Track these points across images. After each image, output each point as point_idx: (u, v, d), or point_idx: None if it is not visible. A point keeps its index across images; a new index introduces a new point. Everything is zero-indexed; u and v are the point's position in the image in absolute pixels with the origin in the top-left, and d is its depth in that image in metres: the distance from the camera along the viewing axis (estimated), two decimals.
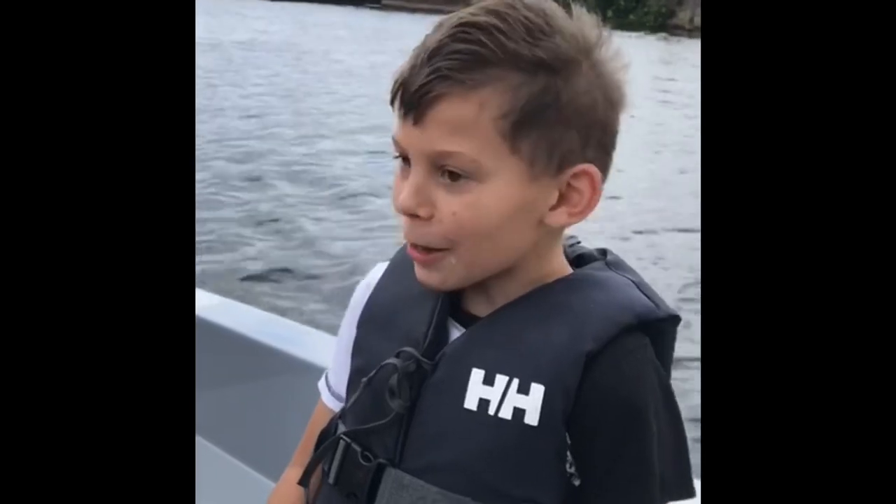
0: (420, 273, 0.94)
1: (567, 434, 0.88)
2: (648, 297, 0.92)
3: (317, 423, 1.08)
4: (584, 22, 0.89)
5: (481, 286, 0.95)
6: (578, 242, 1.01)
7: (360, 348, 1.02)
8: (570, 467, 0.89)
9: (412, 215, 0.89)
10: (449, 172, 0.87)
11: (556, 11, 0.88)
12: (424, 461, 0.92)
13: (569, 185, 0.90)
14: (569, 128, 0.88)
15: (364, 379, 0.96)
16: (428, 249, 0.91)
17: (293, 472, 1.09)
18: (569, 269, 0.97)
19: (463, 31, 0.86)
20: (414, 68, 0.87)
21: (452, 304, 0.97)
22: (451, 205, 0.88)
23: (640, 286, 0.93)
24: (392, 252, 1.06)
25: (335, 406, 1.08)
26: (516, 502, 0.88)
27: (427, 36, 0.89)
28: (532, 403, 0.88)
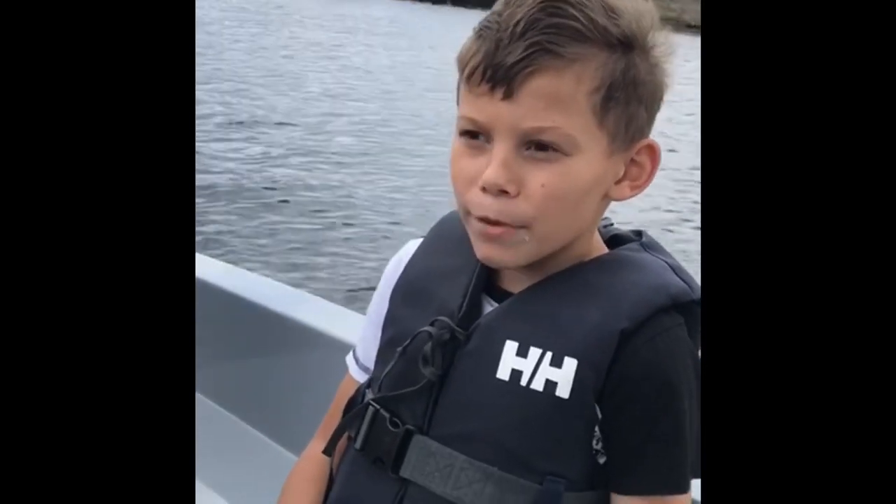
0: (487, 250, 0.92)
1: (599, 409, 0.89)
2: (683, 280, 0.93)
3: (343, 397, 1.08)
4: (639, 3, 0.91)
5: (528, 265, 0.94)
6: (612, 224, 1.02)
7: (393, 320, 1.02)
8: (598, 444, 0.90)
9: (500, 191, 0.88)
10: (536, 144, 0.87)
11: None
12: (453, 429, 0.93)
13: (632, 159, 0.92)
14: (640, 104, 0.90)
15: (399, 349, 0.97)
16: (502, 223, 0.89)
17: (317, 445, 1.09)
18: (604, 249, 0.98)
19: (553, 5, 0.86)
20: (500, 42, 0.86)
21: (487, 280, 0.98)
22: (540, 177, 0.87)
23: (675, 269, 0.95)
24: None
25: (362, 379, 1.08)
26: (541, 475, 0.89)
27: (502, 12, 0.88)
28: (564, 376, 0.88)
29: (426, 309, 0.98)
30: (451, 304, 0.97)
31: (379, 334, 1.04)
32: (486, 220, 0.90)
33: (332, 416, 1.09)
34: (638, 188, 0.94)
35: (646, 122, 0.92)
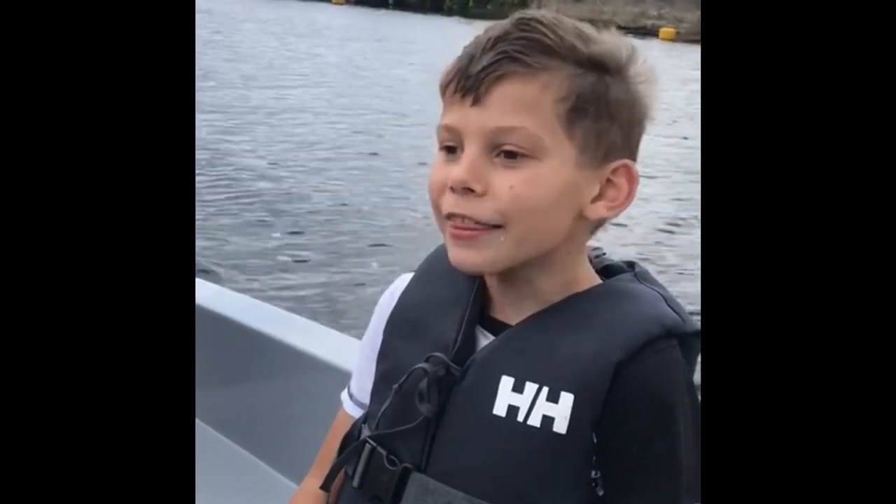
0: (462, 254, 0.92)
1: (595, 435, 0.89)
2: (675, 311, 0.93)
3: (338, 432, 1.08)
4: (617, 37, 0.95)
5: (512, 288, 0.95)
6: (604, 254, 1.02)
7: (387, 354, 1.02)
8: (596, 474, 0.90)
9: (466, 189, 0.90)
10: (505, 152, 0.90)
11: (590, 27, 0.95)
12: (451, 466, 0.92)
13: (609, 180, 0.94)
14: (613, 123, 0.92)
15: (395, 386, 0.97)
16: (475, 226, 0.91)
17: (312, 482, 1.09)
18: (596, 279, 0.98)
19: (526, 23, 0.91)
20: (473, 57, 0.91)
21: (481, 311, 0.98)
22: (509, 179, 0.89)
23: (668, 300, 0.95)
24: None
25: (357, 414, 1.08)
26: None
27: (480, 35, 0.93)
28: (561, 412, 0.89)
29: (420, 342, 0.98)
30: (446, 338, 0.97)
31: (373, 368, 1.04)
32: (453, 218, 0.92)
33: (328, 451, 1.09)
34: (615, 209, 0.94)
35: (621, 143, 0.93)
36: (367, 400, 1.05)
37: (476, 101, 0.90)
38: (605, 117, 0.91)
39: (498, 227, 0.90)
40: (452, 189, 0.91)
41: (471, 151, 0.90)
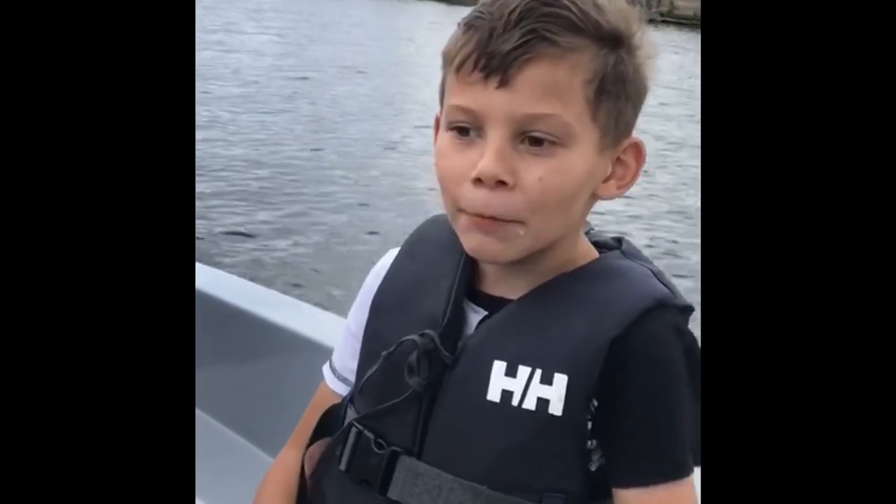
0: (479, 241, 0.89)
1: (593, 405, 0.87)
2: (665, 286, 0.92)
3: (318, 406, 1.07)
4: (623, 5, 0.90)
5: (512, 266, 0.92)
6: (593, 229, 1.00)
7: (374, 331, 1.00)
8: (593, 444, 0.89)
9: (498, 182, 0.85)
10: (531, 139, 0.85)
11: None
12: (445, 453, 0.91)
13: (619, 158, 0.91)
14: (628, 100, 0.89)
15: (384, 352, 0.94)
16: (497, 219, 0.87)
17: (289, 454, 1.08)
18: (593, 253, 0.96)
19: None
20: (494, 31, 0.84)
21: (469, 285, 0.96)
22: (537, 170, 0.85)
23: (658, 275, 0.93)
24: None
25: (339, 389, 1.07)
26: (540, 492, 0.88)
27: (493, 3, 0.86)
28: (556, 393, 0.87)
29: (408, 317, 0.96)
30: (434, 313, 0.94)
31: (358, 346, 1.02)
32: (480, 217, 0.88)
33: (306, 425, 1.07)
34: (624, 187, 0.93)
35: (633, 120, 0.91)
36: (349, 376, 1.04)
37: (503, 84, 0.84)
38: (622, 96, 0.88)
39: (518, 221, 0.87)
40: (479, 180, 0.86)
41: (496, 139, 0.85)
